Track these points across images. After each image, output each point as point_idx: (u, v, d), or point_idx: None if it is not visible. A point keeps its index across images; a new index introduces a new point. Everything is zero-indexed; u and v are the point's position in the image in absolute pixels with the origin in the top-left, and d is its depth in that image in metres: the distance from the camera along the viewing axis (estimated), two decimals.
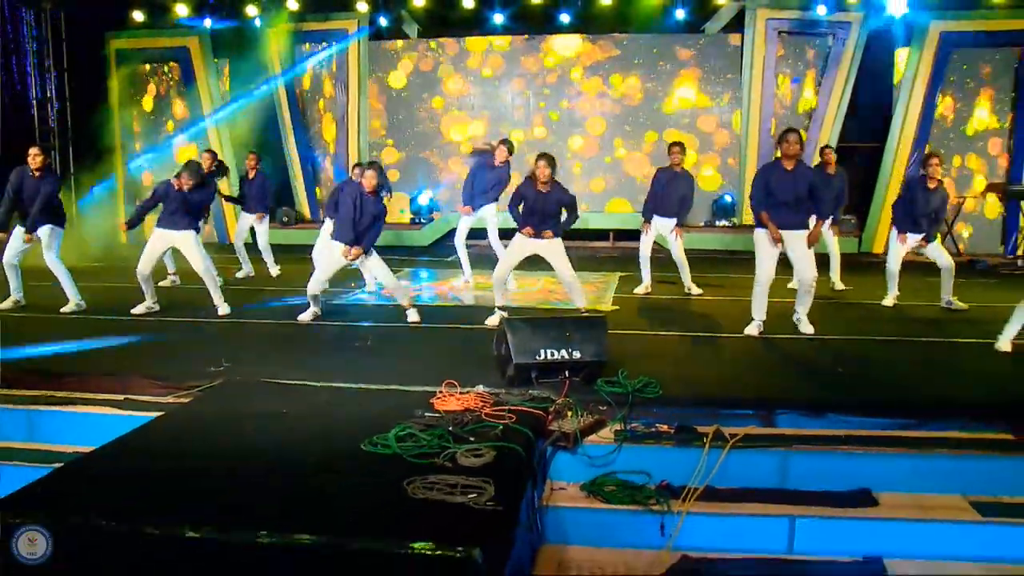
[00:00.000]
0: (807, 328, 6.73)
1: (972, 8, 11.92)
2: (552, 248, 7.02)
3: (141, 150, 14.06)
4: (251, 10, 12.97)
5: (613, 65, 13.93)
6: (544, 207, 6.93)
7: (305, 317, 7.19)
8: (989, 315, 7.05)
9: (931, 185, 7.68)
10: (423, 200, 14.19)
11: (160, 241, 7.60)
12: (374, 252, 7.12)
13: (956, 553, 4.08)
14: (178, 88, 13.99)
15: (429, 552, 2.77)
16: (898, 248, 7.96)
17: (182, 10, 12.92)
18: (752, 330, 6.74)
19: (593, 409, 4.70)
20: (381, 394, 4.92)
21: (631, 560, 4.07)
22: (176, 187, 7.43)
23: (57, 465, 4.60)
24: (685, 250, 8.74)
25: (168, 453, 3.99)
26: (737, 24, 13.32)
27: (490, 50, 14.18)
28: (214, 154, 9.44)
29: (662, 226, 8.66)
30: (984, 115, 12.56)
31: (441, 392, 4.68)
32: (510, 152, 8.82)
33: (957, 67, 12.47)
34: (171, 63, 13.93)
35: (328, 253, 7.30)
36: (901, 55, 12.65)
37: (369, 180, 6.93)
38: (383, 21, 13.43)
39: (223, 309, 7.60)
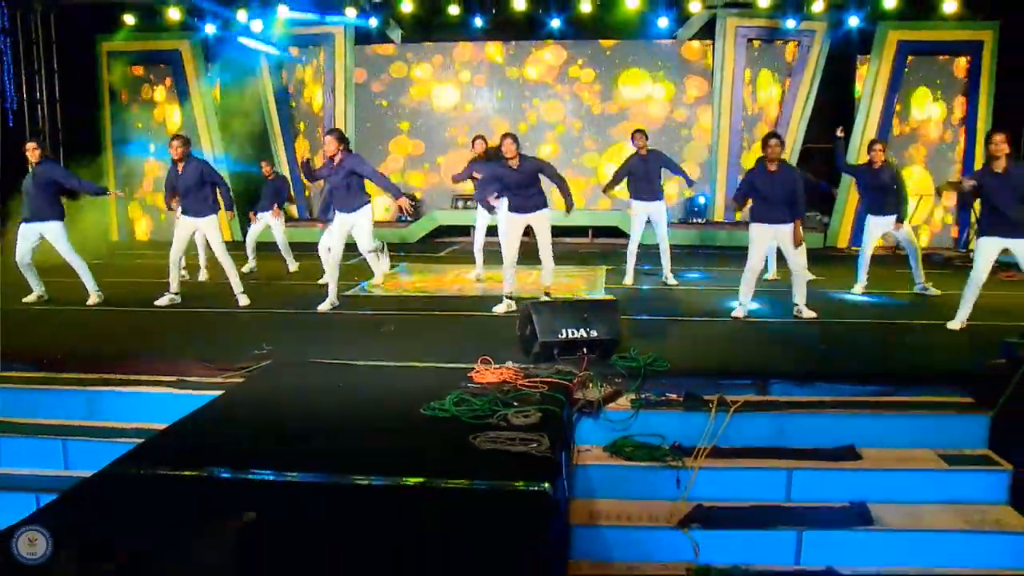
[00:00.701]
0: (809, 313, 7.36)
1: (926, 19, 12.75)
2: (542, 218, 7.65)
3: (131, 150, 14.33)
4: (242, 15, 13.29)
5: (591, 70, 14.57)
6: (522, 180, 7.51)
7: (324, 307, 7.71)
8: (947, 301, 7.80)
9: (876, 166, 8.44)
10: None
11: (185, 228, 8.08)
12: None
13: (928, 497, 4.76)
14: (169, 90, 14.29)
15: (515, 487, 3.35)
16: (871, 235, 8.67)
17: (174, 15, 13.20)
18: (739, 312, 7.40)
19: (611, 380, 5.30)
20: (421, 371, 5.48)
21: (653, 509, 4.67)
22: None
23: (120, 440, 5.13)
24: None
25: (250, 419, 4.51)
26: (708, 32, 14.04)
27: (471, 55, 14.74)
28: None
29: (651, 210, 9.26)
30: (938, 118, 13.45)
31: (478, 368, 5.26)
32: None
33: (913, 73, 13.33)
34: (162, 65, 14.23)
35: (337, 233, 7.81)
36: (862, 61, 13.47)
37: (328, 146, 7.54)
38: (373, 21, 13.77)
39: (243, 300, 8.07)
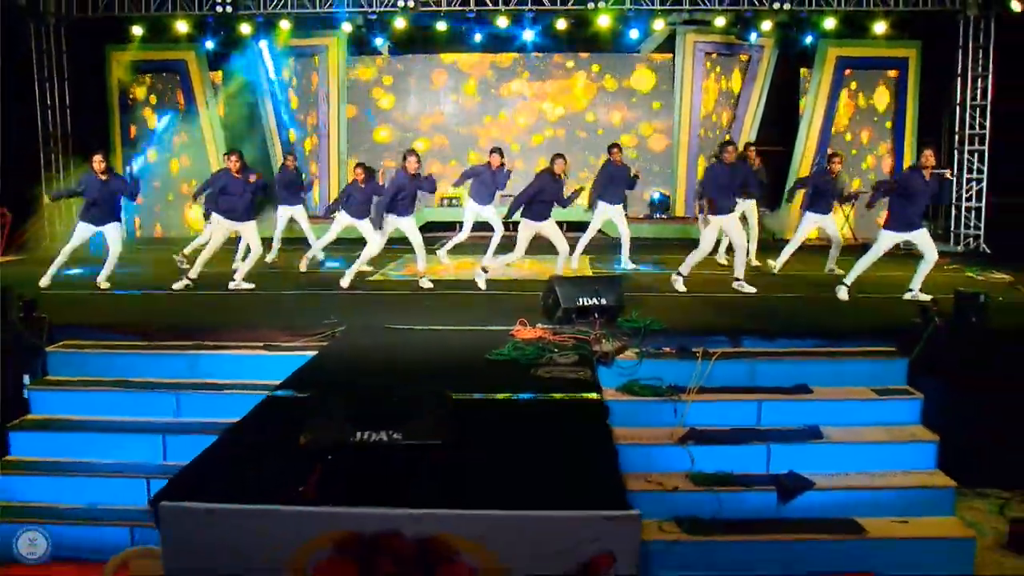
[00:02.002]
0: (749, 289, 8.95)
1: (861, 38, 14.42)
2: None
3: (138, 156, 15.27)
4: (245, 28, 14.37)
5: (564, 81, 16.04)
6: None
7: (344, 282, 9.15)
8: (875, 280, 9.43)
9: (833, 175, 10.13)
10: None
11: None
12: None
13: (862, 420, 6.29)
14: (175, 99, 15.30)
15: (580, 397, 4.75)
16: (809, 226, 10.30)
17: (181, 27, 14.22)
18: (679, 284, 9.00)
19: (619, 337, 6.74)
20: (471, 332, 6.86)
21: (657, 433, 6.09)
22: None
23: (222, 392, 6.41)
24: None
25: (358, 362, 5.83)
26: (668, 45, 15.58)
27: (456, 66, 16.09)
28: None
29: (611, 211, 10.78)
30: (872, 123, 15.20)
31: (518, 327, 6.65)
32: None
33: (850, 84, 15.05)
34: (169, 74, 15.24)
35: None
36: (805, 74, 15.14)
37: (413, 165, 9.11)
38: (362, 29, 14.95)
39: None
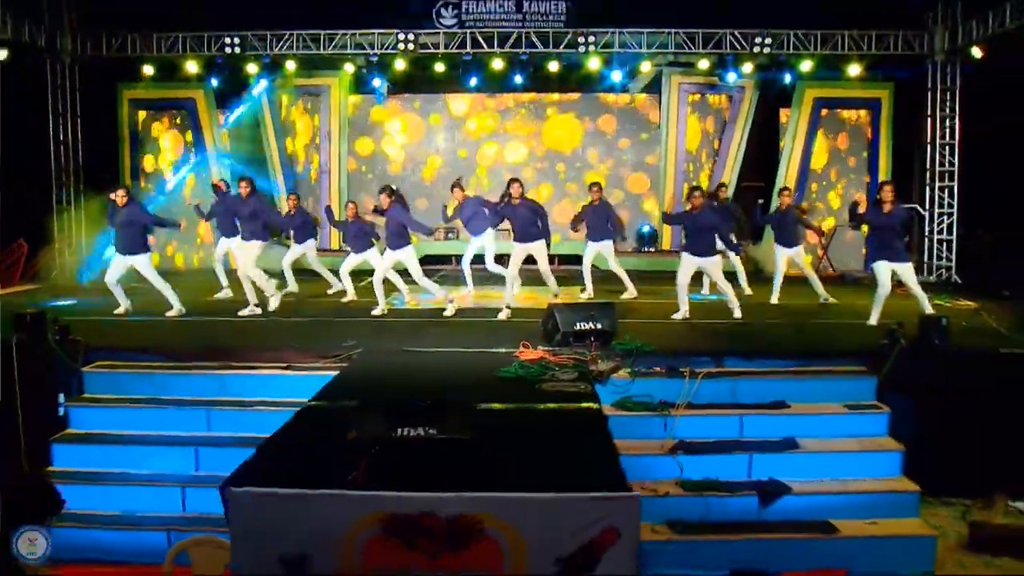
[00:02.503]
0: (738, 315, 9.62)
1: (836, 79, 15.25)
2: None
3: (149, 189, 15.89)
4: (251, 68, 15.06)
5: (555, 119, 16.80)
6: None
7: (376, 312, 9.70)
8: (850, 308, 10.11)
9: (783, 209, 10.97)
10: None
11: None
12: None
13: (835, 433, 6.94)
14: (184, 135, 15.94)
15: (581, 407, 5.36)
16: (781, 259, 11.04)
17: (191, 67, 14.88)
18: (678, 316, 9.59)
19: (613, 358, 7.35)
20: (481, 354, 7.47)
21: (649, 444, 6.69)
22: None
23: (249, 409, 6.98)
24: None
25: (380, 379, 6.41)
26: (655, 86, 16.38)
27: (449, 106, 16.83)
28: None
29: (601, 247, 11.43)
30: (847, 160, 16.01)
31: (521, 349, 7.27)
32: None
33: (826, 123, 15.86)
34: (178, 112, 15.89)
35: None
36: (784, 113, 15.95)
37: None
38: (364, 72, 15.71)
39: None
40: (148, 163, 16.04)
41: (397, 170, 16.95)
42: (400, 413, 4.07)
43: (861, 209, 9.37)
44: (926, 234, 15.09)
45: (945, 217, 15.17)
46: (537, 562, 3.76)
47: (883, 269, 9.03)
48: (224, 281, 11.63)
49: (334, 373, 7.03)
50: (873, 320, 8.99)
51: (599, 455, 4.47)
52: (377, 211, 10.10)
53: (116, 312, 9.85)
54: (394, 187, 10.35)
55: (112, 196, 9.84)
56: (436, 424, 4.03)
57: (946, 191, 15.14)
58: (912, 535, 6.19)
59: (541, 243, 9.88)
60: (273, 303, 10.02)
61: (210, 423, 7.09)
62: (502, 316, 9.63)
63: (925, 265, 15.15)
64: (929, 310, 8.23)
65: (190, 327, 9.41)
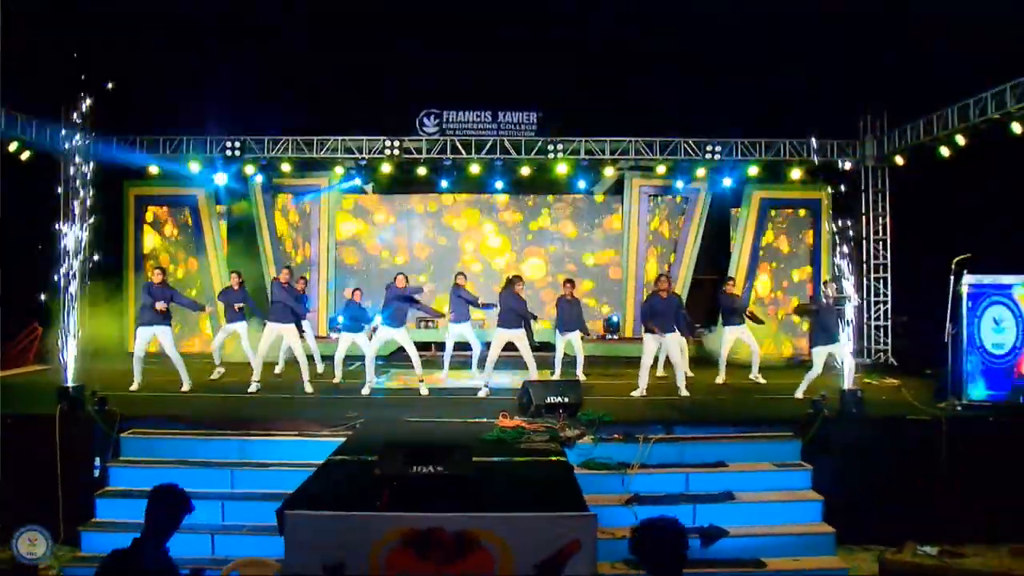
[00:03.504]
0: (685, 392, 10.95)
1: (781, 183, 16.99)
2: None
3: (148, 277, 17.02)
4: (249, 169, 16.51)
5: (528, 219, 18.37)
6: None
7: (365, 391, 10.89)
8: (781, 385, 11.53)
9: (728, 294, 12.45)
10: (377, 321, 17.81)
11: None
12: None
13: (766, 487, 8.24)
14: (185, 229, 17.26)
15: (553, 460, 6.63)
16: (728, 341, 12.46)
17: (194, 167, 16.28)
18: (636, 393, 10.91)
19: (578, 426, 8.63)
20: (466, 423, 8.72)
21: (609, 498, 7.90)
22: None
23: (268, 469, 8.13)
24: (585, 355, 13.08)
25: (383, 441, 7.59)
26: (618, 189, 18.07)
27: (430, 207, 18.35)
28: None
29: (568, 336, 12.82)
30: (793, 254, 17.67)
31: (501, 419, 8.54)
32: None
33: (772, 220, 17.57)
34: (180, 207, 17.22)
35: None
36: (735, 211, 17.63)
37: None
38: (357, 181, 17.24)
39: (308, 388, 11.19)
40: (151, 253, 17.19)
41: (381, 263, 18.30)
42: (414, 455, 5.32)
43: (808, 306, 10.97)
44: (865, 320, 16.66)
45: (881, 305, 16.77)
46: (520, 567, 4.97)
47: (822, 353, 10.50)
48: (218, 360, 12.86)
49: (342, 439, 8.23)
50: (799, 393, 10.38)
51: (566, 490, 5.73)
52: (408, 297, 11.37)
53: (131, 388, 10.91)
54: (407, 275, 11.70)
55: (151, 277, 11.05)
56: (442, 464, 5.29)
57: (881, 281, 16.79)
58: (828, 569, 7.45)
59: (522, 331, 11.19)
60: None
61: (233, 481, 8.21)
62: (482, 394, 10.90)
63: (864, 348, 16.68)
64: (849, 385, 9.64)
65: (210, 400, 10.56)
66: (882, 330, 16.74)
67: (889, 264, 16.74)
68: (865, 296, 16.67)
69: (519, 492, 5.71)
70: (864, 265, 16.90)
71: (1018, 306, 9.78)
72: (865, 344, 16.72)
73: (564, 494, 5.65)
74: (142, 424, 8.96)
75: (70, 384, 9.11)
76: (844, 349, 10.37)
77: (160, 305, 10.94)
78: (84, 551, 7.68)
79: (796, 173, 16.49)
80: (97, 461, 8.55)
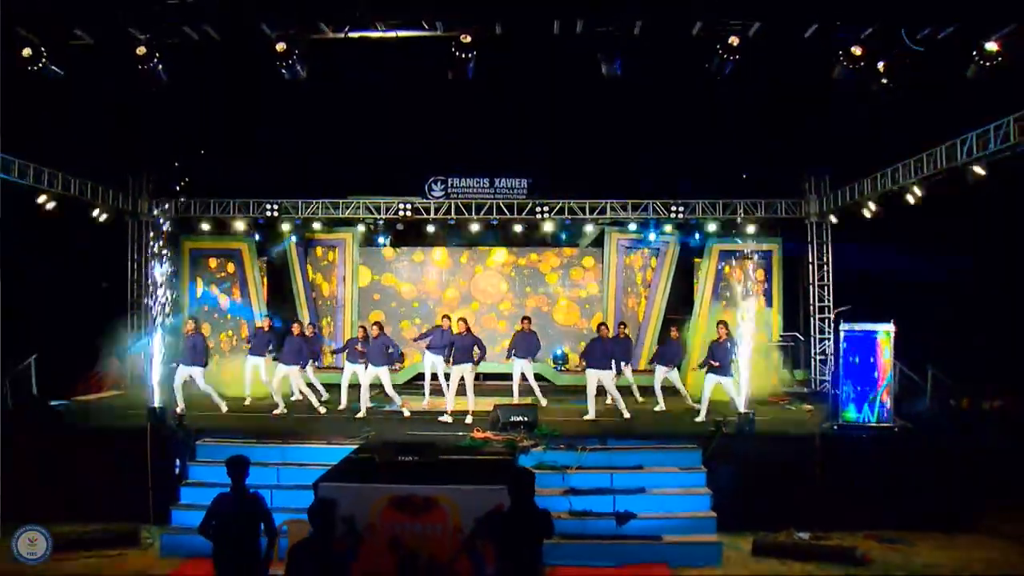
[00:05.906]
0: (627, 415, 13.79)
1: (737, 236, 19.76)
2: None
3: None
4: (285, 226, 19.63)
5: (520, 268, 21.30)
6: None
7: (361, 412, 13.84)
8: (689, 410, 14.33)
9: (673, 337, 15.30)
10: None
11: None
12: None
13: (673, 484, 11.07)
14: (231, 277, 20.39)
15: (501, 458, 9.57)
16: (658, 379, 15.18)
17: (239, 225, 19.41)
18: (587, 417, 13.67)
19: (534, 438, 11.53)
20: (448, 435, 11.65)
21: (553, 491, 10.75)
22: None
23: (305, 468, 11.07)
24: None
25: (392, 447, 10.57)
26: (598, 242, 20.94)
27: (433, 258, 21.37)
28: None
29: (521, 364, 15.38)
30: (750, 299, 20.34)
31: (475, 432, 11.48)
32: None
33: (730, 269, 20.36)
34: (227, 259, 20.38)
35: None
36: (698, 262, 20.44)
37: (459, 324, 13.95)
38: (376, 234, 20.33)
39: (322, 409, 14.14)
40: (204, 299, 20.26)
41: (400, 303, 21.30)
42: (401, 449, 8.29)
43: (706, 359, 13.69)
44: (812, 355, 19.41)
45: (826, 343, 19.48)
46: (464, 519, 7.86)
47: (711, 381, 13.29)
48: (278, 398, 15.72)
49: (357, 445, 11.19)
50: (700, 417, 13.23)
51: (503, 474, 8.61)
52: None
53: (177, 411, 13.82)
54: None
55: (185, 326, 14.13)
56: (422, 454, 8.27)
57: (825, 321, 19.48)
58: (709, 542, 10.25)
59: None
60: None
61: (279, 477, 11.16)
62: (444, 418, 13.50)
63: (811, 380, 19.39)
64: (742, 408, 12.33)
65: (259, 418, 13.58)
66: (825, 365, 19.44)
67: (831, 306, 19.44)
68: (812, 334, 19.44)
69: (472, 475, 8.60)
70: (811, 307, 19.67)
71: (877, 347, 12.53)
72: (811, 375, 19.44)
73: (500, 478, 8.52)
74: (211, 435, 11.97)
75: (156, 405, 12.15)
76: (731, 382, 12.98)
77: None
78: (174, 524, 10.70)
79: (750, 228, 19.21)
80: (178, 462, 11.54)
